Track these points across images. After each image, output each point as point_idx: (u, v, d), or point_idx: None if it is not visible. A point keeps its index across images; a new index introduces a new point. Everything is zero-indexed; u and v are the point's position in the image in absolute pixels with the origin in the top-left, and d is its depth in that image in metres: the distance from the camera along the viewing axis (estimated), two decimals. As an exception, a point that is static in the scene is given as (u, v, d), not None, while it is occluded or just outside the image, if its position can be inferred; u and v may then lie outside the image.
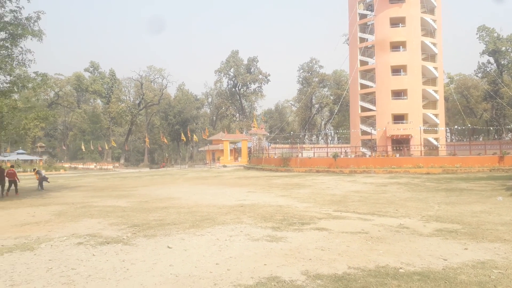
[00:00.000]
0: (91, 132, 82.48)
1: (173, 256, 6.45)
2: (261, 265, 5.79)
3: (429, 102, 44.55)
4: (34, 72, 18.48)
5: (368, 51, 45.63)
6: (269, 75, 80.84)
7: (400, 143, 40.11)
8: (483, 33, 59.55)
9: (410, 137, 41.06)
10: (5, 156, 54.48)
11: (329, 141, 79.15)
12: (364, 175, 27.40)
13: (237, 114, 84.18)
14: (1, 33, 17.04)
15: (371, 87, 44.46)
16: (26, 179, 28.50)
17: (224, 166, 52.21)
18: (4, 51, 17.32)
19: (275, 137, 60.54)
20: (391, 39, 43.03)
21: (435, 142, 41.87)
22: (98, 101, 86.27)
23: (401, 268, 5.52)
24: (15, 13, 17.34)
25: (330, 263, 5.83)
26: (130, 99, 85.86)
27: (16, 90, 18.29)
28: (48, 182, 22.62)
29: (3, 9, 17.24)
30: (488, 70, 62.92)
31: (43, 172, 22.27)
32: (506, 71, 60.10)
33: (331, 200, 13.60)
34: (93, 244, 7.43)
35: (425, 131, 40.37)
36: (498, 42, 57.93)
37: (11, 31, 16.83)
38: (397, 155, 34.68)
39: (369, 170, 28.95)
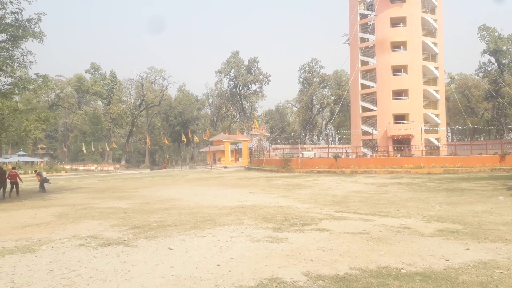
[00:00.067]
0: (92, 133, 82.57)
1: (174, 257, 6.45)
2: (262, 266, 5.78)
3: (430, 102, 44.50)
4: (35, 74, 18.52)
5: (368, 51, 45.60)
6: (269, 75, 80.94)
7: (401, 143, 40.06)
8: (484, 32, 59.50)
9: (411, 137, 41.01)
10: (6, 158, 54.61)
11: (330, 141, 79.07)
12: (365, 175, 27.37)
13: (238, 115, 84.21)
14: (2, 35, 17.06)
15: (372, 87, 44.43)
16: (27, 181, 28.50)
17: (225, 167, 52.22)
18: (5, 53, 17.34)
19: (276, 137, 60.52)
20: (391, 39, 43.00)
21: (436, 142, 41.81)
22: (99, 102, 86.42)
23: (402, 268, 5.51)
24: (16, 15, 17.37)
25: (331, 264, 5.82)
26: (131, 100, 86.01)
27: (17, 91, 18.31)
28: (50, 183, 22.66)
29: (4, 11, 17.26)
30: (489, 69, 62.85)
31: (44, 174, 22.30)
32: (507, 71, 60.04)
33: (332, 201, 13.58)
34: (94, 245, 7.43)
35: (426, 131, 40.33)
36: (499, 42, 57.86)
37: (12, 33, 16.85)
38: (398, 155, 34.64)
39: (370, 171, 28.92)
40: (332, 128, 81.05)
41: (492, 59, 61.48)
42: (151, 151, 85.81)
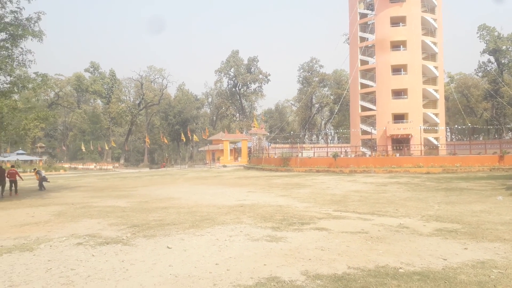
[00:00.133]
0: (91, 132, 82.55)
1: (172, 256, 6.45)
2: (260, 265, 5.78)
3: (429, 102, 44.49)
4: (34, 73, 18.50)
5: (368, 50, 45.59)
6: (269, 75, 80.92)
7: (400, 143, 40.08)
8: (483, 32, 59.52)
9: (410, 136, 41.03)
10: (5, 157, 54.52)
11: (329, 140, 79.17)
12: (364, 174, 27.40)
13: (237, 114, 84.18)
14: (2, 33, 17.04)
15: (372, 86, 44.42)
16: (26, 180, 28.46)
17: (224, 166, 52.21)
18: (4, 52, 17.31)
19: (275, 137, 60.55)
20: (391, 38, 42.99)
21: (435, 142, 41.84)
22: (98, 101, 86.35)
23: (401, 268, 5.52)
24: (15, 14, 17.35)
25: (329, 263, 5.83)
26: (130, 99, 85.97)
27: (16, 90, 18.29)
28: (48, 182, 22.66)
29: (3, 9, 17.24)
30: (488, 69, 62.89)
31: (43, 172, 22.29)
32: (506, 70, 60.06)
33: (331, 200, 13.59)
34: (93, 244, 7.43)
35: (425, 131, 40.36)
36: (498, 41, 57.89)
37: (12, 32, 16.83)
38: (397, 155, 34.67)
39: (369, 170, 28.94)
40: (332, 127, 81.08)
41: (492, 58, 61.52)
42: (150, 150, 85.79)
